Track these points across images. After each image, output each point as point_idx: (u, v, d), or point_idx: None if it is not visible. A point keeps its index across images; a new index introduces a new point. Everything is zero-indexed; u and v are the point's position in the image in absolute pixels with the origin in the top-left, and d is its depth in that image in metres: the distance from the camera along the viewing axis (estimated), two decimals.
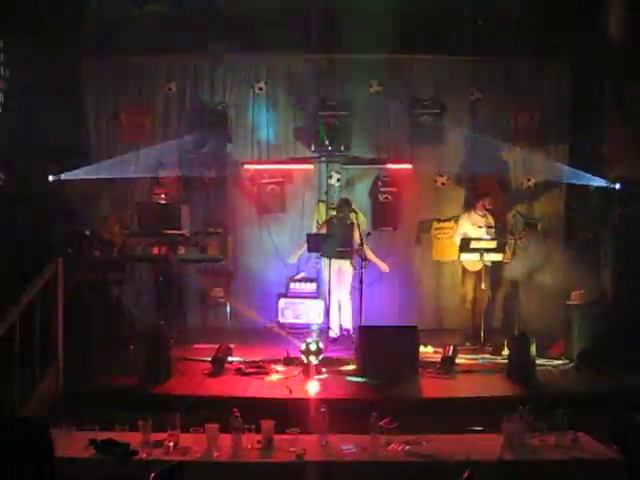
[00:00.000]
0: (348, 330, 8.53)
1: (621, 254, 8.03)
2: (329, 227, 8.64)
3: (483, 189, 9.16)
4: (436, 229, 9.69)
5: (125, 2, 9.02)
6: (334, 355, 7.50)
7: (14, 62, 8.62)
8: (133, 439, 4.02)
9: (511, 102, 9.69)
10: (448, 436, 4.38)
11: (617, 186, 8.46)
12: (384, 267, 8.54)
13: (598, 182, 8.84)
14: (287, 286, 9.29)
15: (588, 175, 8.97)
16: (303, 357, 6.93)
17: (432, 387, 6.53)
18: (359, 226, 8.33)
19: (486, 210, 8.58)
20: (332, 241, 8.24)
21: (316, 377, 6.68)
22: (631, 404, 5.45)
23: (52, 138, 8.18)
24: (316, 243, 8.31)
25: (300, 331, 8.42)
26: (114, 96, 9.69)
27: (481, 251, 8.18)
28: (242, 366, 6.97)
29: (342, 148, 9.31)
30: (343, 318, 8.59)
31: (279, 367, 7.03)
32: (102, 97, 9.68)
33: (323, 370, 6.87)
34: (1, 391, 5.21)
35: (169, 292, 8.28)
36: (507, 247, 8.32)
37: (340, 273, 8.48)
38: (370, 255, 8.26)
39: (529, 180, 9.75)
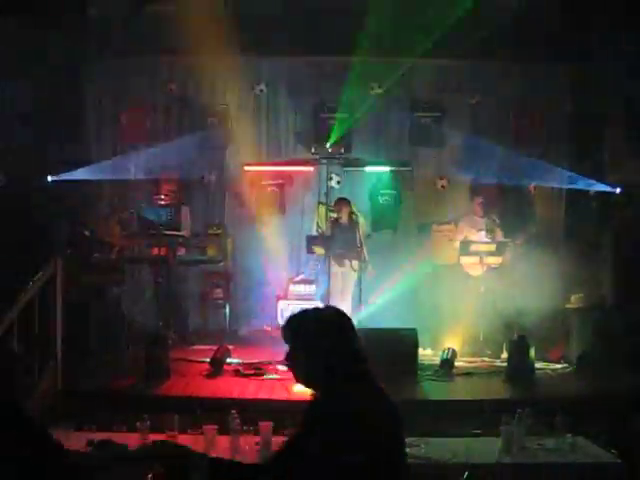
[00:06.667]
0: None
1: (621, 258, 8.02)
2: (333, 228, 8.61)
3: (481, 191, 9.15)
4: (436, 232, 9.67)
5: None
6: None
7: None
8: (131, 440, 4.00)
9: (511, 105, 9.70)
10: (446, 439, 4.38)
11: (617, 190, 8.48)
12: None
13: (599, 186, 8.84)
14: (286, 288, 9.28)
15: (589, 179, 8.97)
16: None
17: (431, 389, 6.53)
18: (359, 228, 8.32)
19: (484, 212, 8.54)
20: (334, 242, 8.21)
21: None
22: (630, 408, 5.45)
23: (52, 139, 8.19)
24: (315, 245, 8.30)
25: None
26: (114, 96, 9.69)
27: (481, 254, 8.17)
28: (241, 367, 6.95)
29: (342, 150, 9.31)
30: None
31: (278, 368, 7.01)
32: (102, 98, 9.69)
33: None
34: None
35: (168, 293, 8.28)
36: (507, 250, 8.30)
37: (343, 276, 8.43)
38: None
39: (529, 184, 9.76)
